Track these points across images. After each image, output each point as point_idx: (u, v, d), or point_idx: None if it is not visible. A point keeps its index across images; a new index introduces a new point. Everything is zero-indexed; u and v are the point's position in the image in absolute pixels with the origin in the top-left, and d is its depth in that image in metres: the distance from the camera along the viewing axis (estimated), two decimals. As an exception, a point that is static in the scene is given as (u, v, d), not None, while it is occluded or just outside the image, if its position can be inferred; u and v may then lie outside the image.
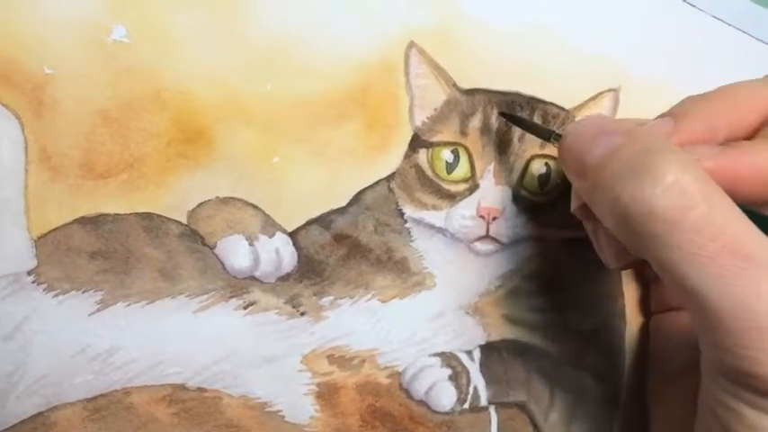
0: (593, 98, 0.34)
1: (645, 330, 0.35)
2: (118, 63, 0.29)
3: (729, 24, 0.36)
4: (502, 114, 0.32)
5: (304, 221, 0.32)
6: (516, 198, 0.33)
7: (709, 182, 0.23)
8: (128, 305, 0.30)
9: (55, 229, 0.29)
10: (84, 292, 0.30)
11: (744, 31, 0.36)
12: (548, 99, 0.34)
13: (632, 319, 0.35)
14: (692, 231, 0.22)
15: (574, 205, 0.30)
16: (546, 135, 0.30)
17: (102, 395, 0.30)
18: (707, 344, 0.23)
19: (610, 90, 0.34)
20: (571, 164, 0.27)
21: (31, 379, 0.29)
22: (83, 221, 0.30)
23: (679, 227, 0.22)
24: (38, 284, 0.29)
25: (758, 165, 0.25)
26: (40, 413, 0.29)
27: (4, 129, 0.28)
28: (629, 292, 0.35)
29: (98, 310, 0.30)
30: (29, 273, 0.29)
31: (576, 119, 0.34)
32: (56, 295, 0.29)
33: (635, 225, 0.23)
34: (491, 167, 0.33)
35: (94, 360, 0.30)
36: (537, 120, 0.33)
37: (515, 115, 0.32)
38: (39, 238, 0.29)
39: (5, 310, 0.29)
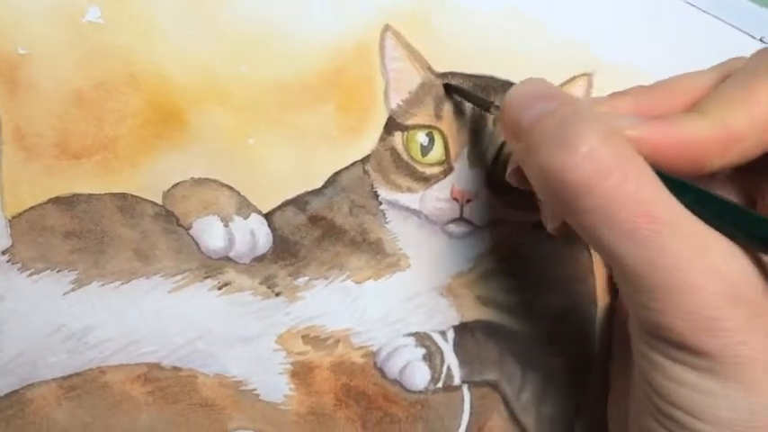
0: (567, 82, 0.34)
1: (611, 309, 0.35)
2: (92, 44, 0.29)
3: (704, 11, 0.37)
4: (445, 86, 0.33)
5: (279, 203, 0.32)
6: (490, 181, 0.33)
7: (624, 150, 0.23)
8: (102, 285, 0.30)
9: (29, 209, 0.30)
10: (58, 271, 0.30)
11: (718, 18, 0.36)
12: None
13: (601, 299, 0.36)
14: (606, 198, 0.23)
15: (509, 168, 0.30)
16: (486, 106, 0.31)
17: (77, 374, 0.30)
18: (629, 302, 0.25)
19: (583, 74, 0.35)
20: (508, 125, 0.27)
21: (5, 358, 0.29)
22: (57, 201, 0.30)
23: (593, 193, 0.23)
24: (12, 264, 0.29)
25: (680, 136, 0.25)
26: (15, 391, 0.30)
27: (-24, 108, 0.28)
28: (599, 272, 0.35)
29: (72, 290, 0.30)
30: (3, 252, 0.29)
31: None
32: (30, 275, 0.30)
33: (553, 191, 0.24)
34: (465, 151, 0.33)
35: (69, 339, 0.30)
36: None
37: (458, 86, 0.32)
38: (13, 217, 0.29)
39: (-20, 289, 0.29)
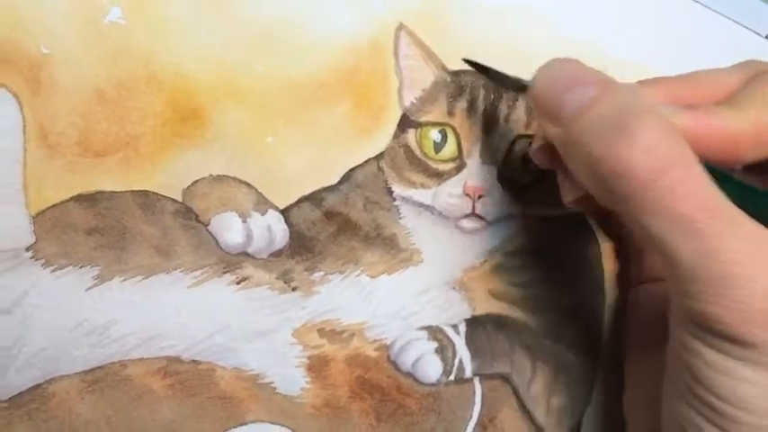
0: (576, 80, 0.35)
1: (622, 303, 0.36)
2: (113, 44, 0.30)
3: (711, 9, 0.37)
4: (467, 62, 0.32)
5: (296, 199, 0.33)
6: (501, 177, 0.34)
7: (681, 143, 0.24)
8: (124, 280, 0.31)
9: (52, 206, 0.30)
10: (81, 267, 0.30)
11: (725, 16, 0.37)
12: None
13: (610, 292, 0.36)
14: (666, 191, 0.23)
15: (535, 145, 0.30)
16: (515, 86, 0.30)
17: (99, 367, 0.31)
18: (678, 292, 0.25)
19: (592, 72, 0.35)
20: (544, 110, 0.26)
21: (29, 352, 0.30)
22: (80, 199, 0.30)
23: (652, 187, 0.23)
24: (36, 260, 0.30)
25: (720, 127, 0.25)
26: (39, 385, 0.30)
27: (1, 108, 0.29)
28: (609, 266, 0.36)
29: (95, 285, 0.30)
30: (27, 248, 0.30)
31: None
32: (54, 270, 0.30)
33: (608, 183, 0.24)
34: (477, 147, 0.34)
35: (91, 333, 0.30)
36: (522, 101, 0.34)
37: (483, 65, 0.32)
38: (37, 214, 0.30)
39: (4, 285, 0.30)
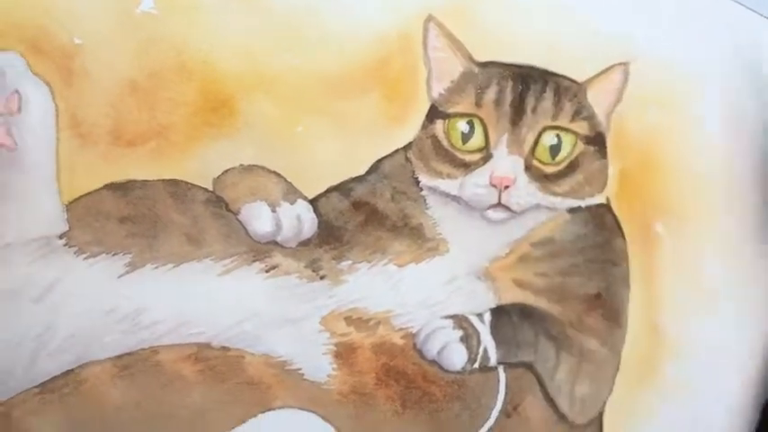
0: (604, 72, 0.35)
1: None
2: (145, 34, 0.30)
3: (741, 4, 0.37)
4: None
5: (324, 189, 0.33)
6: (528, 168, 0.34)
7: None
8: (155, 267, 0.31)
9: (85, 195, 0.30)
10: (113, 255, 0.31)
11: (756, 12, 0.36)
12: (560, 72, 0.34)
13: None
14: None
15: None
16: None
17: (130, 353, 0.31)
18: None
19: (620, 64, 0.35)
20: None
21: (61, 337, 0.30)
22: (112, 187, 0.30)
23: None
24: (69, 247, 0.30)
25: None
26: (71, 370, 0.30)
27: (35, 97, 0.29)
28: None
29: (127, 273, 0.31)
30: (60, 236, 0.30)
31: (588, 92, 0.34)
32: (86, 258, 0.30)
33: None
34: (504, 138, 0.34)
35: (123, 320, 0.31)
36: (550, 92, 0.34)
37: None
38: (69, 203, 0.30)
39: (37, 272, 0.30)
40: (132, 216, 0.31)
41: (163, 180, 0.31)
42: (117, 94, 0.30)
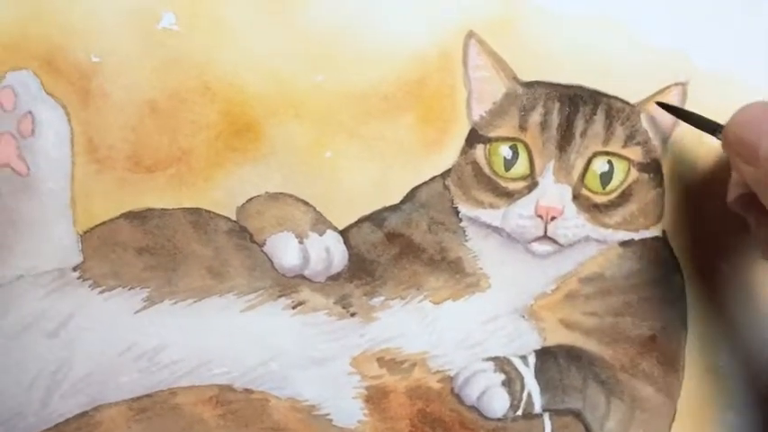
0: (660, 92, 0.33)
1: None
2: (166, 52, 0.28)
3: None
4: (660, 105, 0.32)
5: (356, 219, 0.31)
6: (576, 197, 0.32)
7: None
8: (174, 303, 0.29)
9: (101, 224, 0.29)
10: (130, 289, 0.29)
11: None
12: (611, 93, 0.32)
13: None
14: None
15: (731, 196, 0.30)
16: (710, 128, 0.30)
17: (147, 395, 0.29)
18: None
19: (677, 84, 0.33)
20: (740, 150, 0.27)
21: (75, 377, 0.29)
22: (130, 216, 0.29)
23: None
24: (83, 280, 0.29)
25: None
26: (85, 412, 0.29)
27: (50, 119, 0.28)
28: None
29: (144, 308, 0.29)
30: (74, 268, 0.29)
31: (642, 115, 0.32)
32: (102, 292, 0.29)
33: None
34: (551, 165, 0.31)
35: (140, 359, 0.29)
36: (600, 115, 0.32)
37: (676, 107, 0.32)
38: (84, 232, 0.29)
39: (51, 306, 0.28)
40: (150, 247, 0.29)
41: (183, 209, 0.29)
42: (136, 117, 0.28)
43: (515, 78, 0.32)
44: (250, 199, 0.30)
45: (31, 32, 0.27)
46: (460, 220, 0.32)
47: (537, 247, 0.32)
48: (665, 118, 0.33)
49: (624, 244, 0.33)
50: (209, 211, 0.30)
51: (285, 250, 0.30)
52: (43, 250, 0.28)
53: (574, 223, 0.32)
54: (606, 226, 0.32)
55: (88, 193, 0.28)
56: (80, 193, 0.28)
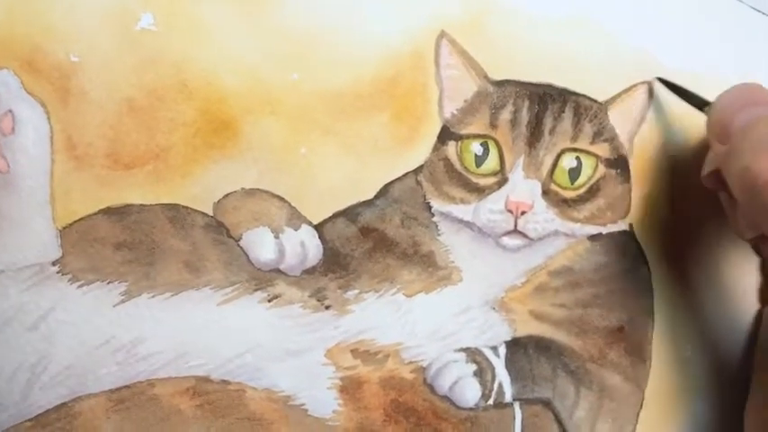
0: (627, 90, 0.33)
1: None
2: (144, 51, 0.29)
3: (764, 13, 0.35)
4: (659, 80, 0.33)
5: (330, 214, 0.31)
6: (546, 192, 0.32)
7: None
8: (152, 296, 0.30)
9: (80, 220, 0.29)
10: (108, 282, 0.29)
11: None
12: (580, 91, 0.33)
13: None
14: None
15: (705, 171, 0.30)
16: (700, 105, 0.31)
17: (126, 386, 0.30)
18: None
19: (643, 82, 0.33)
20: (716, 128, 0.28)
21: (54, 369, 0.29)
22: (108, 212, 0.29)
23: None
24: (62, 275, 0.29)
25: None
26: (64, 404, 0.29)
27: (29, 117, 0.28)
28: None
29: (122, 302, 0.30)
30: (53, 263, 0.29)
31: (609, 112, 0.33)
32: (80, 286, 0.29)
33: (761, 197, 0.24)
34: (521, 161, 0.32)
35: (119, 351, 0.30)
36: (569, 113, 0.32)
37: (671, 82, 0.33)
38: (64, 228, 0.29)
39: (30, 300, 0.29)
40: (129, 242, 0.30)
41: (161, 204, 0.30)
42: (115, 115, 0.29)
43: (486, 77, 0.32)
44: (227, 195, 0.30)
45: (12, 33, 0.28)
46: (433, 215, 0.32)
47: (507, 241, 0.33)
48: (632, 115, 0.33)
49: (592, 238, 0.33)
50: (186, 207, 0.30)
51: (261, 245, 0.31)
52: (23, 245, 0.29)
53: (543, 218, 0.33)
54: (575, 220, 0.33)
55: (67, 189, 0.29)
56: (59, 190, 0.29)
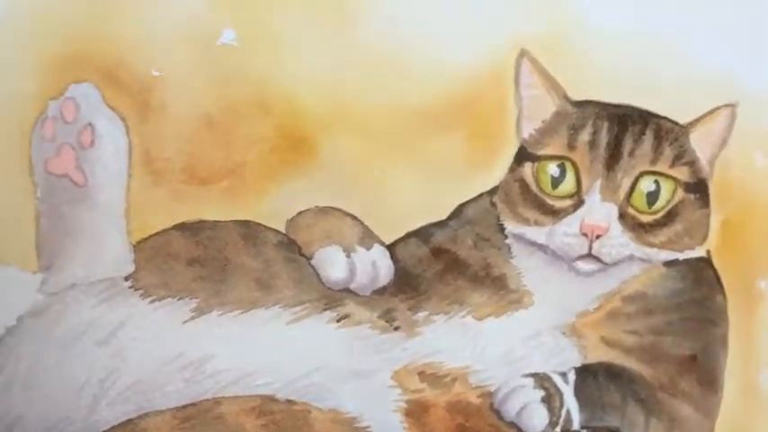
0: (710, 113, 0.32)
1: None
2: (225, 67, 0.29)
3: None
4: None
5: (403, 234, 0.31)
6: (622, 216, 0.32)
7: None
8: (222, 314, 0.30)
9: (154, 235, 0.29)
10: (179, 299, 0.29)
11: None
12: (661, 112, 0.32)
13: None
14: None
15: None
16: None
17: (192, 404, 0.29)
18: None
19: (727, 105, 0.32)
20: None
21: (123, 385, 0.29)
22: (182, 228, 0.29)
23: None
24: (134, 290, 0.29)
25: None
26: (130, 420, 0.29)
27: (108, 131, 0.28)
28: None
29: (192, 318, 0.29)
30: (126, 278, 0.29)
31: (690, 135, 0.32)
32: (152, 301, 0.29)
33: None
34: (598, 183, 0.31)
35: (187, 368, 0.29)
36: (649, 135, 0.32)
37: None
38: (137, 243, 0.29)
39: (101, 315, 0.29)
40: (201, 258, 0.29)
41: (234, 221, 0.30)
42: (193, 130, 0.29)
43: (566, 97, 0.32)
44: (300, 212, 0.30)
45: (95, 46, 0.28)
46: (506, 236, 0.32)
47: (581, 265, 0.32)
48: (714, 138, 0.32)
49: (668, 263, 0.33)
50: (259, 224, 0.30)
51: (332, 263, 0.30)
52: (97, 260, 0.29)
53: (619, 242, 0.32)
54: (651, 245, 0.32)
55: (143, 204, 0.29)
56: (135, 204, 0.29)
